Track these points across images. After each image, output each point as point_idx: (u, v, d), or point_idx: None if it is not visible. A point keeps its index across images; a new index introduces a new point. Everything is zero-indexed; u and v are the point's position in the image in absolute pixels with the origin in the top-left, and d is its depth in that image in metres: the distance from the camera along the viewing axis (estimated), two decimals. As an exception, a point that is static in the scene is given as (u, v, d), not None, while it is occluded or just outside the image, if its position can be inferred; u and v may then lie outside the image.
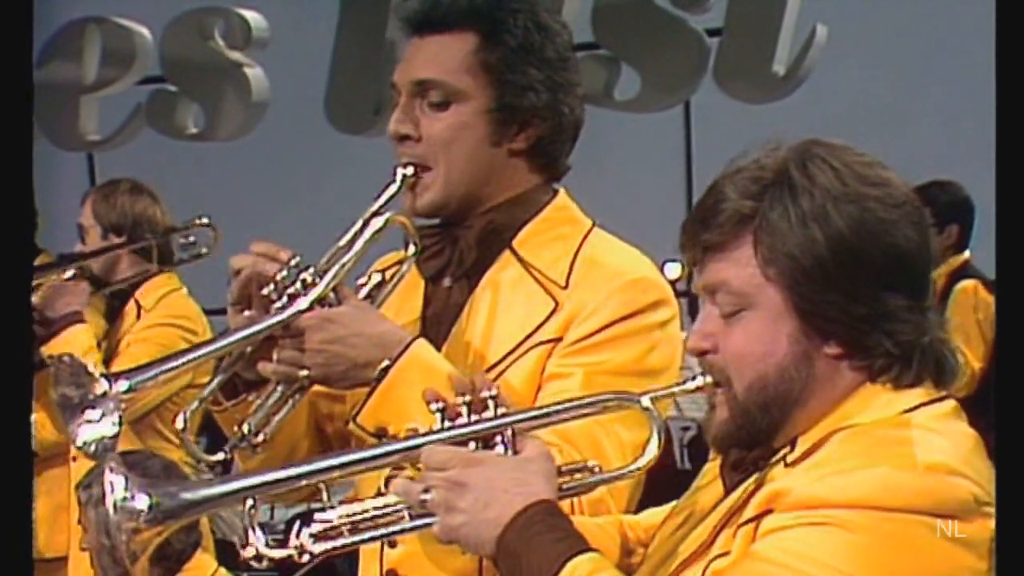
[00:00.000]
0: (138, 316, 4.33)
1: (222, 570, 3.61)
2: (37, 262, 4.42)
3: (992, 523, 1.56)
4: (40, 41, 7.20)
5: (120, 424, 1.93)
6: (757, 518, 1.62)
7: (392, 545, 2.15)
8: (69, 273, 4.26)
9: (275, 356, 2.07)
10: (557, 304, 2.11)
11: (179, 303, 4.40)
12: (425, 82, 2.16)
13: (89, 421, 1.94)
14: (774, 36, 6.47)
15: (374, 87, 6.99)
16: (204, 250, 4.32)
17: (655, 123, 7.27)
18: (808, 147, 1.69)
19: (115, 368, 4.10)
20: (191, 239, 4.31)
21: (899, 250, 1.64)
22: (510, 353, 2.11)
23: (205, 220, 4.30)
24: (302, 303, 2.05)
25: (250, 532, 1.79)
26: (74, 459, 4.25)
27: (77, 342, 4.10)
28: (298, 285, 2.06)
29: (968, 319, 5.65)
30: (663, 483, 2.13)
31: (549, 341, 2.10)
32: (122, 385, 1.97)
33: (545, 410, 1.83)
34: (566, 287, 2.12)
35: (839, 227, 1.62)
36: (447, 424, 1.77)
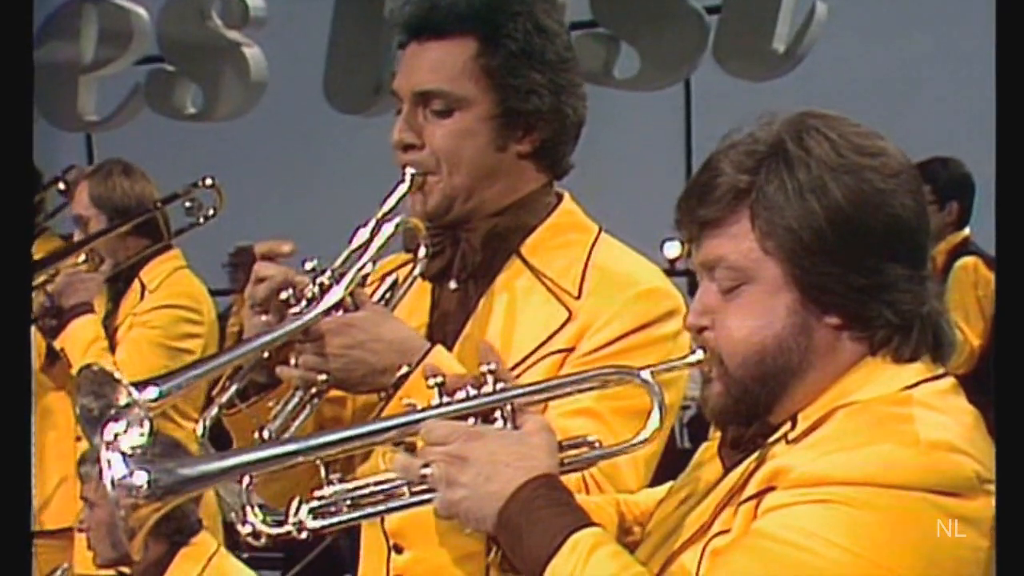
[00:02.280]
0: (141, 296, 4.30)
1: (223, 549, 3.62)
2: (44, 245, 4.39)
3: (994, 500, 1.56)
4: (37, 21, 7.18)
5: (150, 433, 1.88)
6: (758, 496, 1.61)
7: (399, 551, 2.14)
8: (81, 259, 4.25)
9: (293, 361, 2.06)
10: (570, 314, 2.10)
11: (182, 283, 4.36)
12: (427, 92, 2.14)
13: (116, 433, 1.89)
14: (774, 13, 6.45)
15: (372, 67, 6.97)
16: (211, 212, 4.28)
17: (655, 101, 7.27)
18: (803, 119, 1.68)
19: (118, 352, 4.12)
20: (196, 202, 4.26)
21: (897, 220, 1.63)
22: (522, 361, 2.09)
23: (209, 181, 4.25)
24: (321, 307, 2.03)
25: (248, 509, 1.78)
26: (79, 439, 4.24)
27: (83, 333, 4.09)
28: (315, 289, 2.04)
29: (968, 296, 5.64)
30: (663, 462, 2.13)
31: (562, 351, 2.09)
32: (151, 393, 1.92)
33: (545, 384, 1.82)
34: (579, 297, 2.11)
35: (837, 198, 1.61)
36: (446, 399, 1.76)
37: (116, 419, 1.85)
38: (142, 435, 1.84)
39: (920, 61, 7.39)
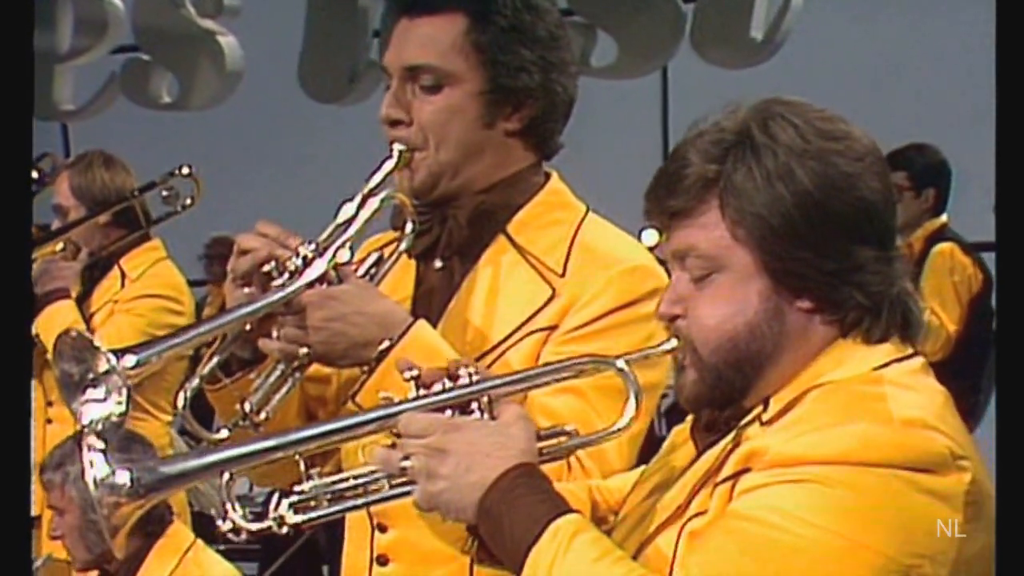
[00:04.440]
0: (122, 284, 4.31)
1: (199, 542, 3.60)
2: None
3: (966, 476, 1.57)
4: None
5: (128, 401, 1.90)
6: (734, 477, 1.62)
7: (383, 530, 2.13)
8: (59, 247, 4.25)
9: (275, 333, 2.05)
10: (554, 292, 2.11)
11: (165, 273, 4.38)
12: (416, 67, 2.14)
13: (94, 400, 1.90)
14: (751, 1, 6.44)
15: (348, 55, 6.95)
16: (188, 201, 4.28)
17: (632, 90, 7.26)
18: (768, 106, 1.69)
19: (98, 335, 4.12)
20: (173, 191, 4.27)
21: (864, 202, 1.65)
22: (506, 339, 2.10)
23: (187, 170, 4.25)
24: (304, 280, 2.03)
25: (228, 505, 1.79)
26: (49, 421, 4.25)
27: (60, 317, 4.10)
28: (298, 262, 2.04)
29: (944, 282, 5.66)
30: (643, 450, 2.13)
31: (545, 329, 2.09)
32: (129, 360, 1.93)
33: (521, 375, 1.82)
34: (563, 275, 2.12)
35: (804, 184, 1.63)
36: (423, 392, 1.77)
37: (95, 385, 1.88)
38: (119, 403, 1.86)
39: (898, 47, 7.39)
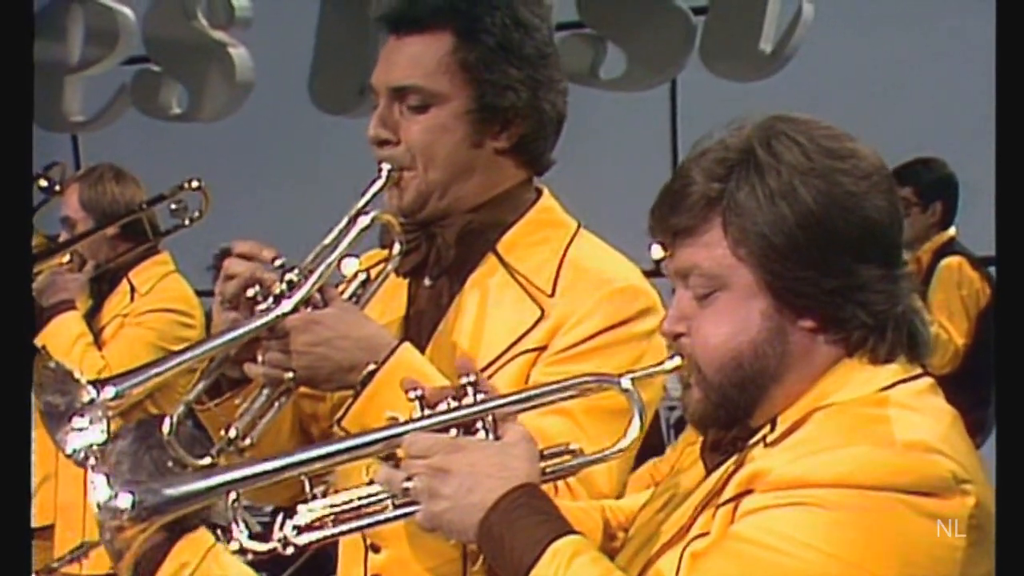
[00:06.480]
0: (131, 298, 4.31)
1: (219, 546, 3.60)
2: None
3: (970, 500, 1.57)
4: (24, 22, 7.13)
5: (109, 430, 1.91)
6: (736, 498, 1.62)
7: (376, 550, 2.13)
8: (66, 259, 4.25)
9: (260, 358, 2.05)
10: (543, 312, 2.10)
11: (174, 287, 4.38)
12: (403, 88, 2.13)
13: (77, 429, 1.91)
14: (760, 14, 6.44)
15: (358, 68, 6.95)
16: (196, 214, 4.29)
17: (641, 102, 7.25)
18: (772, 124, 1.69)
19: (107, 350, 4.13)
20: (182, 204, 4.27)
21: (869, 221, 1.64)
22: (495, 360, 2.09)
23: (196, 183, 4.25)
24: (287, 305, 2.03)
25: (234, 526, 1.79)
26: None
27: (67, 329, 4.11)
28: (283, 286, 2.04)
29: (952, 296, 5.65)
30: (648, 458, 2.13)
31: (534, 350, 2.08)
32: (109, 392, 1.95)
33: (525, 394, 1.82)
34: (552, 295, 2.11)
35: (807, 203, 1.62)
36: (427, 412, 1.77)
37: (81, 414, 1.90)
38: (102, 432, 1.87)
39: (907, 60, 7.39)
